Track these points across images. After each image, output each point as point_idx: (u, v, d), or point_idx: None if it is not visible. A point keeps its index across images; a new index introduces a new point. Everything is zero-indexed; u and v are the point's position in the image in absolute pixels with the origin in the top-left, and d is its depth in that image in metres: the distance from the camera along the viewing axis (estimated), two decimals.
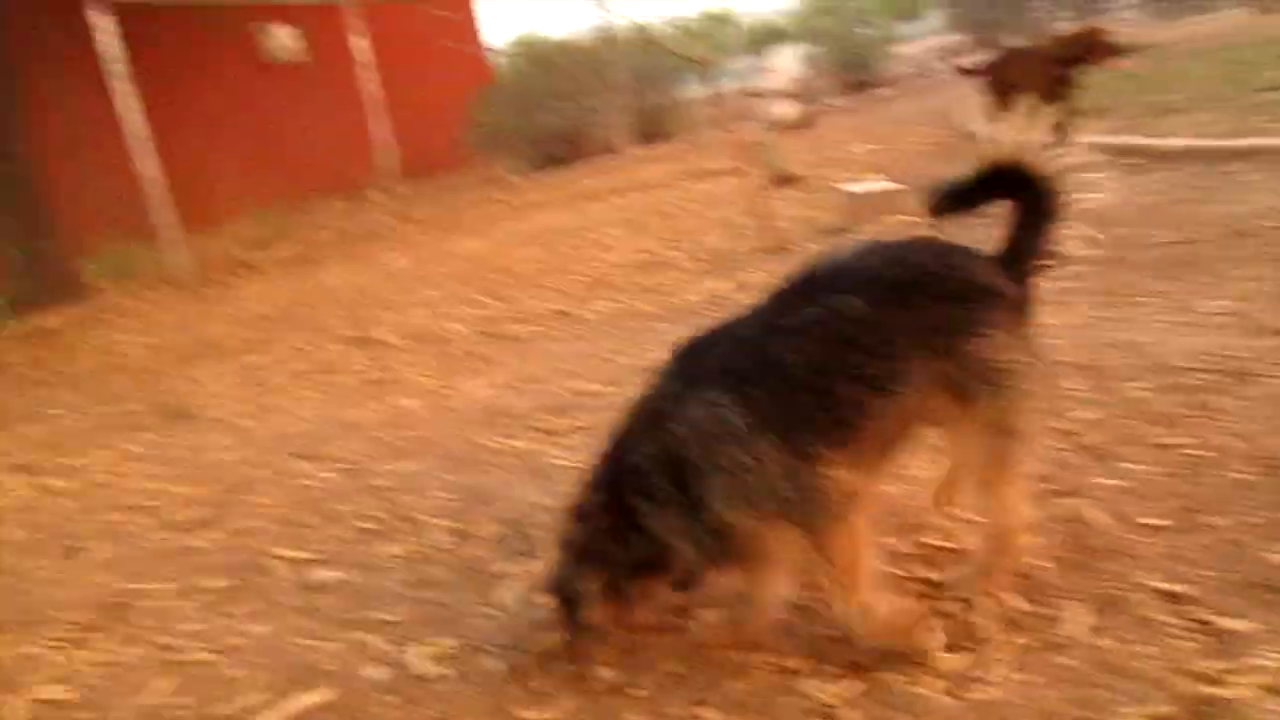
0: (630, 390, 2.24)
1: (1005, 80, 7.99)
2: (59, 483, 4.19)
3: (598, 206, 10.27)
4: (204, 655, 2.55)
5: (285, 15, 11.92)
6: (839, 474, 2.07)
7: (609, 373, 4.39)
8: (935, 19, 27.90)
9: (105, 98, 9.73)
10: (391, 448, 3.91)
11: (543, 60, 15.96)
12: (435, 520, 3.13)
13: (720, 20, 29.60)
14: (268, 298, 8.23)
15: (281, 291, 8.43)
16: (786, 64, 10.96)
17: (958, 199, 2.28)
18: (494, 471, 3.45)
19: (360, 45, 11.92)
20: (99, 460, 4.42)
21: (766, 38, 24.95)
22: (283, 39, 11.54)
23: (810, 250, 5.91)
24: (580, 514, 2.21)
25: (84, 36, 9.54)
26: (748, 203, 7.23)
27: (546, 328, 5.55)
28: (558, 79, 15.29)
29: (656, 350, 4.44)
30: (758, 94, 9.34)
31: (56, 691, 2.50)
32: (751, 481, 2.05)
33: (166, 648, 2.62)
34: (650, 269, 6.59)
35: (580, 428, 3.73)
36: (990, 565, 2.28)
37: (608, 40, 14.11)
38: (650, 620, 2.32)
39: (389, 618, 2.56)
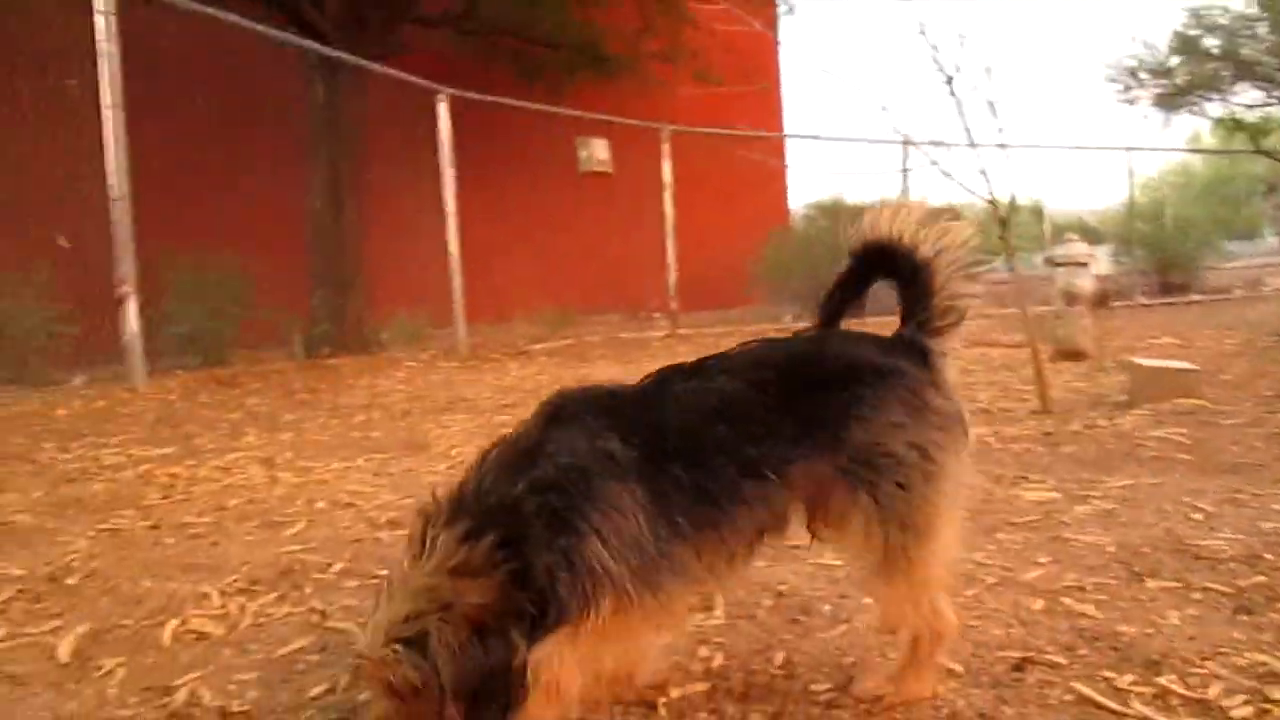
0: None
1: None
2: (288, 475, 4.40)
3: None
4: (345, 625, 2.51)
5: (604, 130, 12.70)
6: (689, 562, 1.84)
7: None
8: (1271, 240, 26.06)
9: (433, 187, 10.63)
10: None
11: (838, 216, 16.12)
12: None
13: (1031, 211, 28.96)
14: (531, 377, 8.53)
15: (545, 373, 8.72)
16: (1098, 256, 10.41)
17: (843, 294, 2.14)
18: None
19: (667, 169, 12.46)
20: (329, 467, 4.61)
21: (1079, 235, 24.04)
22: (596, 151, 12.28)
23: (1086, 421, 5.48)
24: (474, 569, 1.66)
25: (427, 126, 10.53)
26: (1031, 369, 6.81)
27: None
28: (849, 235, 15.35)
29: None
30: (1057, 263, 8.89)
31: (208, 625, 2.52)
32: (628, 526, 1.76)
33: (314, 611, 2.61)
34: None
35: None
36: (905, 675, 2.03)
37: None
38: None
39: None
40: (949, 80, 6.13)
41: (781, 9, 14.07)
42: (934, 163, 6.27)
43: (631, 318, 14.05)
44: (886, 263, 2.10)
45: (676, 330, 12.51)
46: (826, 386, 1.95)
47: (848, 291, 2.16)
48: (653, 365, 7.53)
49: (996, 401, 6.47)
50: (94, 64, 6.56)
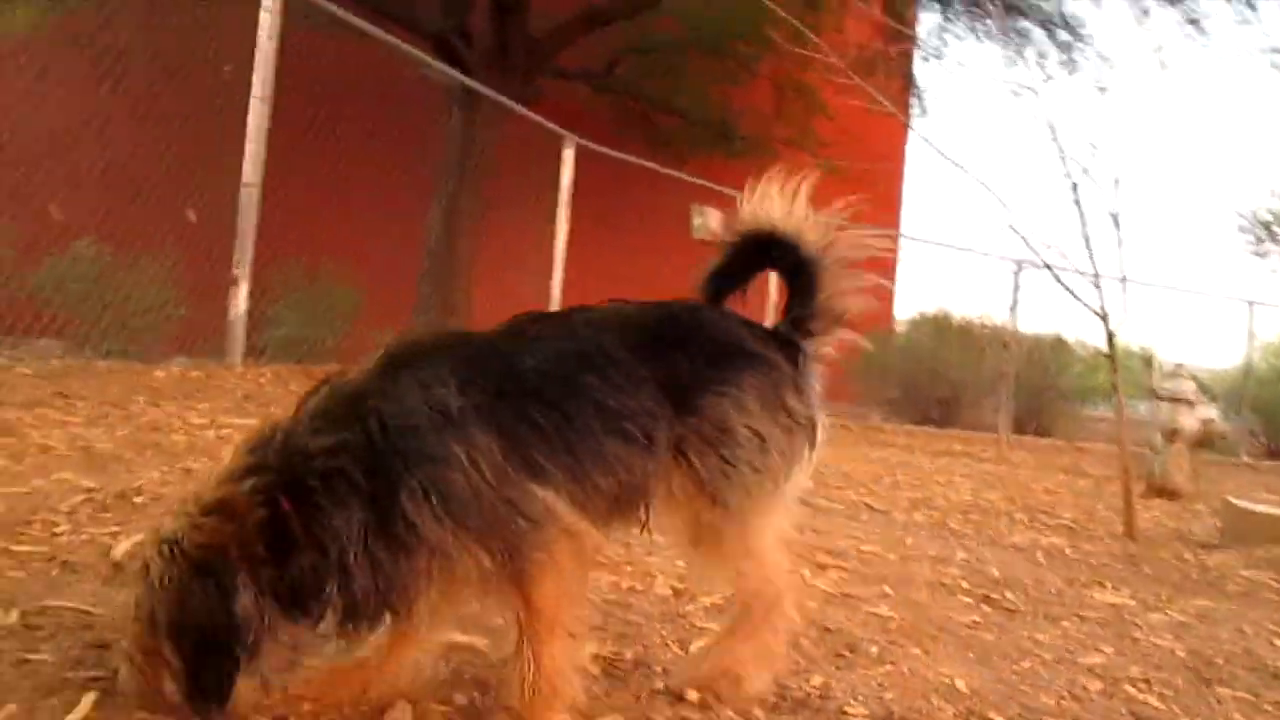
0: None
1: None
2: None
3: (954, 461, 9.85)
4: None
5: (719, 200, 12.80)
6: (562, 504, 1.70)
7: (895, 548, 4.06)
8: None
9: (546, 228, 10.83)
10: None
11: (942, 334, 15.97)
12: None
13: (1142, 358, 28.09)
14: None
15: None
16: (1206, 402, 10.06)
17: (723, 278, 2.08)
18: None
19: None
20: None
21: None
22: (710, 221, 12.37)
23: (1172, 553, 5.26)
24: (223, 508, 1.59)
25: (551, 170, 10.78)
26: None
27: (851, 510, 5.26)
28: (951, 348, 15.28)
29: (948, 551, 4.06)
30: (1162, 397, 8.61)
31: None
32: (460, 482, 1.62)
33: None
34: (983, 512, 6.11)
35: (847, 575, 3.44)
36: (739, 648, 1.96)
37: (1003, 335, 13.88)
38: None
39: None
40: (1074, 187, 6.06)
41: (915, 110, 14.14)
42: (1046, 266, 6.18)
43: None
44: (771, 253, 2.03)
45: None
46: (692, 356, 1.88)
47: (727, 279, 2.09)
48: None
49: (1079, 521, 6.26)
50: (251, 56, 6.88)
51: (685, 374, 1.86)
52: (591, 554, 1.79)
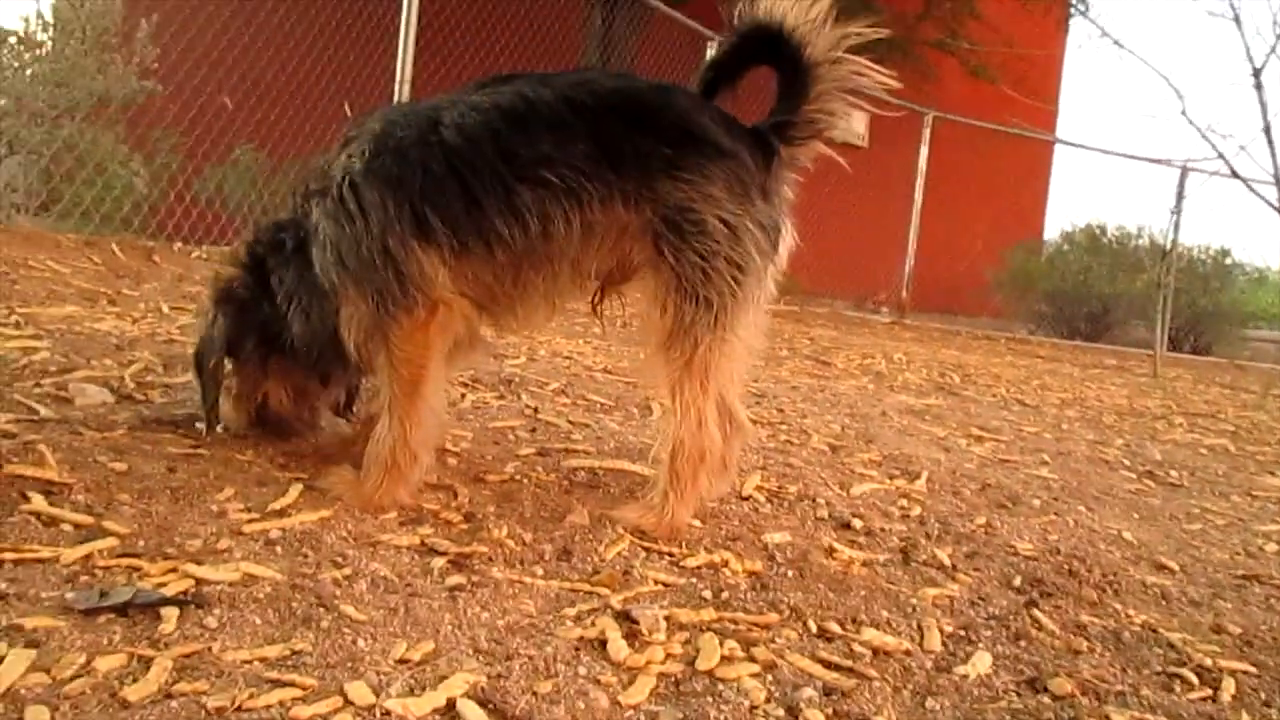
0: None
1: None
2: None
3: (1105, 373, 9.52)
4: (557, 420, 2.60)
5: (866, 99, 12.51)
6: (442, 271, 1.77)
7: (1051, 430, 3.98)
8: None
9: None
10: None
11: (1094, 248, 15.27)
12: None
13: None
14: None
15: None
16: None
17: (721, 69, 1.96)
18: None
19: (923, 155, 12.08)
20: (555, 341, 4.78)
21: None
22: (854, 121, 12.09)
23: None
24: (236, 261, 2.04)
25: (692, 69, 10.69)
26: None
27: (1001, 403, 5.17)
28: (1104, 261, 14.65)
29: (1105, 438, 3.96)
30: None
31: None
32: (348, 233, 1.78)
33: (528, 407, 2.71)
34: (1139, 414, 5.91)
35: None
36: (666, 499, 1.81)
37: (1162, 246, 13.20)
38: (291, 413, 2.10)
39: None
40: (1257, 72, 5.70)
41: (1076, 4, 13.37)
42: (1220, 155, 5.85)
43: (857, 306, 13.75)
44: (771, 50, 1.87)
45: (903, 320, 12.16)
46: (654, 135, 1.78)
47: (725, 70, 1.95)
48: (876, 343, 7.31)
49: (1243, 428, 5.99)
50: None
51: (648, 152, 1.77)
52: (463, 324, 1.85)
